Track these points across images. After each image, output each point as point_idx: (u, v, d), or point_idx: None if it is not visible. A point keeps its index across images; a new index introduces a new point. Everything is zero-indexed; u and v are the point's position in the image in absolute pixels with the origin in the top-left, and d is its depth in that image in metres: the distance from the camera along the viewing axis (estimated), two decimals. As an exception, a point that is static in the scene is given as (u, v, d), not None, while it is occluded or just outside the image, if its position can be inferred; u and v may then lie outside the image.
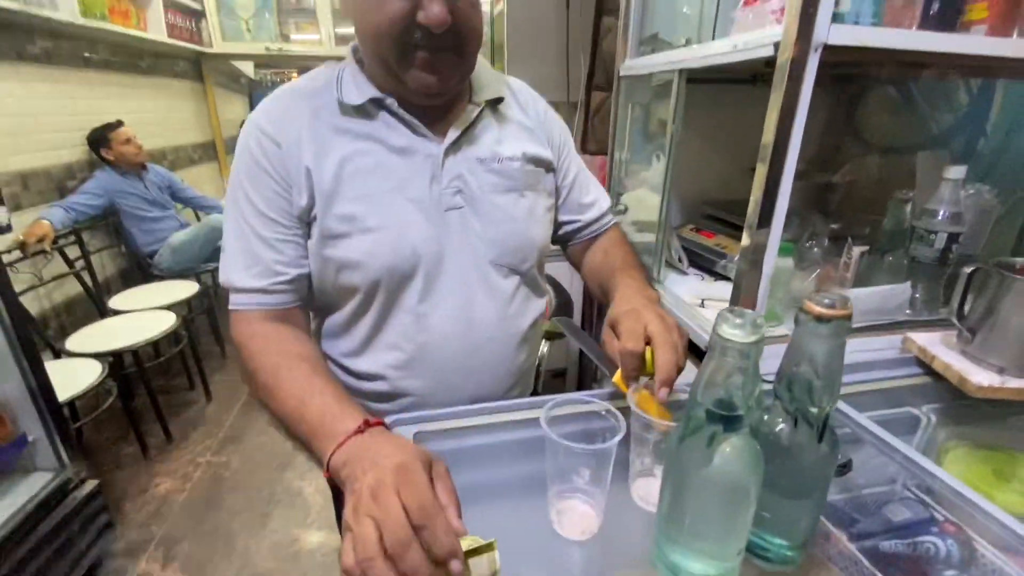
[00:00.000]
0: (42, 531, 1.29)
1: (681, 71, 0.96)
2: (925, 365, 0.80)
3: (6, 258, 1.88)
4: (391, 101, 0.67)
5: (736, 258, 0.90)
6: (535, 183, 0.75)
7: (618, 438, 0.48)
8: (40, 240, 2.01)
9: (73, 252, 2.24)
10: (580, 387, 1.92)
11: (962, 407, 0.77)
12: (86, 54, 2.60)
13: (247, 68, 4.57)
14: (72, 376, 1.70)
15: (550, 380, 1.87)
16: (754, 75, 1.17)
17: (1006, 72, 0.89)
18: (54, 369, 1.44)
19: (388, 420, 0.61)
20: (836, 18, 0.65)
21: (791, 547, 0.47)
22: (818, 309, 0.39)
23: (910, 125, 1.17)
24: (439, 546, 0.38)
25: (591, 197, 0.85)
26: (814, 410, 0.42)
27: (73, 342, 1.93)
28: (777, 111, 0.69)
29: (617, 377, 0.58)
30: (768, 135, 0.71)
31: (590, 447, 0.48)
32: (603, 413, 0.53)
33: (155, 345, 2.07)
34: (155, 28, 3.08)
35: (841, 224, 1.04)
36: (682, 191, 1.34)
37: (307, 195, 0.65)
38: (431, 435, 0.62)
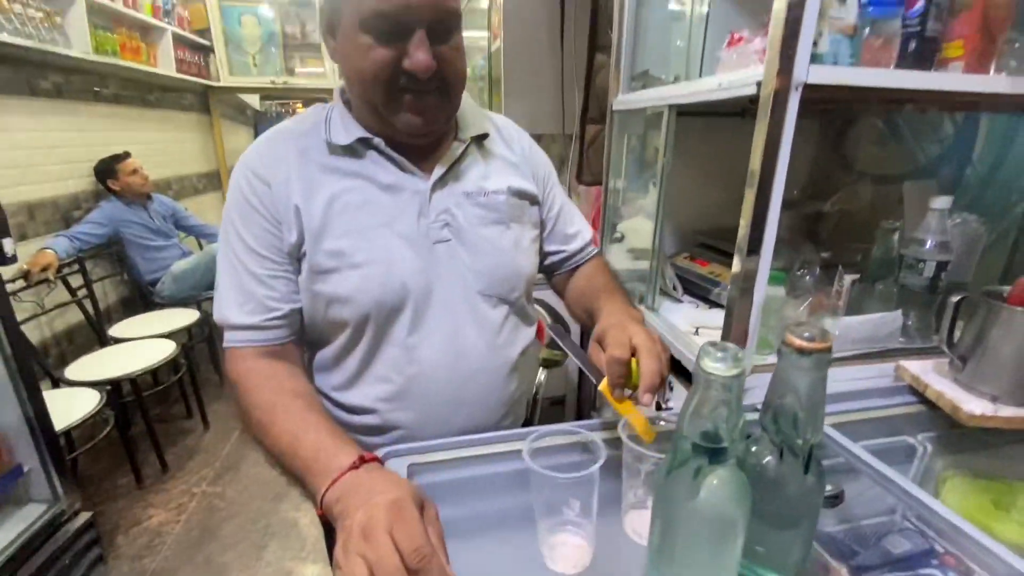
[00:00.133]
0: (33, 565, 1.26)
1: (671, 106, 1.00)
2: (919, 393, 0.80)
3: (9, 287, 1.90)
4: (378, 141, 0.69)
5: (728, 285, 0.91)
6: (520, 215, 0.77)
7: (598, 464, 0.49)
8: (44, 269, 2.04)
9: (76, 281, 2.27)
10: (579, 415, 1.91)
11: (958, 436, 0.76)
12: (97, 88, 2.68)
13: (252, 100, 4.69)
14: (70, 405, 1.70)
15: (548, 408, 1.86)
16: (743, 108, 1.20)
17: (984, 106, 0.91)
18: (52, 398, 1.44)
19: (381, 452, 0.61)
20: (815, 58, 0.68)
21: (784, 580, 0.47)
22: (799, 342, 0.40)
23: (898, 155, 1.19)
24: None
25: (575, 228, 0.88)
26: (799, 441, 0.42)
27: (72, 371, 1.93)
28: (762, 144, 0.71)
29: (603, 385, 0.59)
30: (755, 162, 0.73)
31: (572, 475, 0.48)
32: (586, 443, 0.54)
33: (154, 373, 2.07)
34: (165, 63, 3.18)
35: (832, 252, 1.06)
36: (676, 220, 1.36)
37: (296, 232, 0.66)
38: (425, 467, 0.62)
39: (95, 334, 2.34)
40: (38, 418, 1.33)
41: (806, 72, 0.66)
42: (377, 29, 0.59)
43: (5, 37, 1.97)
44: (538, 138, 1.90)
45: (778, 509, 0.44)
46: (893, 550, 0.63)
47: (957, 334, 0.77)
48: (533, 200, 0.80)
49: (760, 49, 0.76)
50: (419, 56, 0.60)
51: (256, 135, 4.82)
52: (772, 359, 0.87)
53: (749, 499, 0.41)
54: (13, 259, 1.33)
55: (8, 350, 1.26)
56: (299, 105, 5.36)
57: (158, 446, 2.13)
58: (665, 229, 1.15)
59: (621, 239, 1.44)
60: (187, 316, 2.46)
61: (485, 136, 0.77)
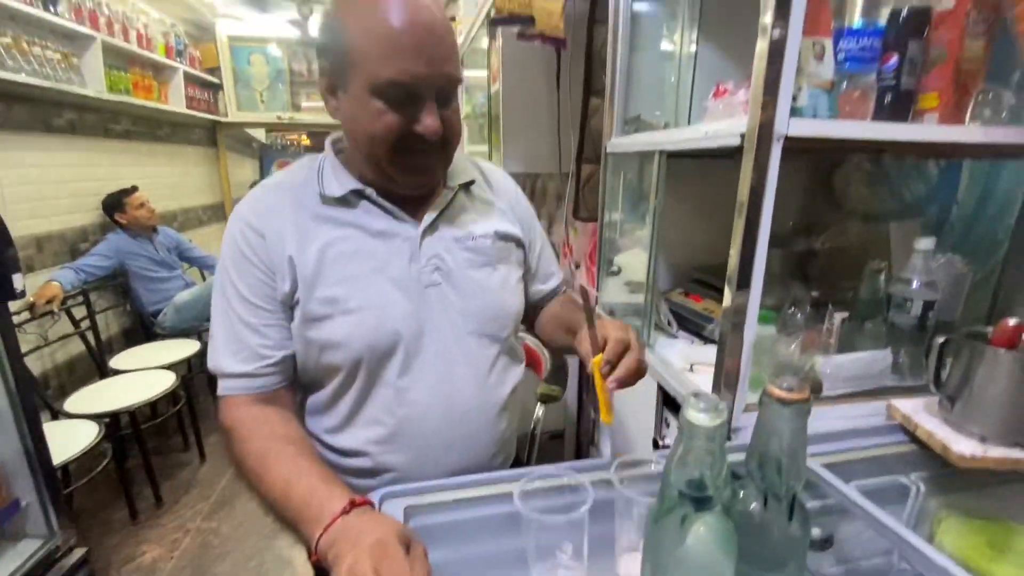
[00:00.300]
0: (24, 604, 1.24)
1: (662, 151, 1.04)
2: (911, 432, 0.81)
3: (15, 319, 1.92)
4: (370, 191, 0.72)
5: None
6: (507, 257, 0.81)
7: (586, 508, 0.50)
8: (49, 301, 2.06)
9: (79, 312, 2.29)
10: (578, 448, 1.90)
11: (951, 475, 0.77)
12: (108, 124, 2.76)
13: (258, 133, 4.81)
14: (68, 438, 1.70)
15: (547, 442, 1.86)
16: (733, 151, 1.24)
17: (961, 154, 0.95)
18: (51, 431, 1.44)
19: (378, 494, 0.62)
20: (795, 112, 0.71)
21: (774, 627, 0.47)
22: (779, 393, 0.42)
23: (885, 193, 1.22)
24: None
25: (553, 267, 0.95)
26: (783, 488, 0.44)
27: (71, 403, 1.93)
28: (747, 190, 0.75)
29: (597, 359, 0.63)
30: (741, 206, 0.76)
31: (558, 517, 0.49)
32: (576, 486, 0.55)
33: (152, 405, 2.07)
34: (175, 100, 3.29)
35: (822, 290, 1.08)
36: (671, 255, 1.39)
37: (290, 281, 0.69)
38: (421, 509, 0.63)
39: (96, 365, 2.35)
40: (37, 452, 1.33)
41: (787, 125, 0.70)
42: (390, 96, 0.63)
43: (23, 78, 2.05)
44: (535, 176, 1.97)
45: (765, 554, 0.45)
46: (890, 593, 0.63)
47: (945, 374, 0.78)
48: (518, 243, 0.84)
49: (744, 101, 0.80)
50: (429, 122, 0.64)
51: (261, 167, 4.94)
52: (764, 398, 0.88)
53: (735, 546, 0.42)
54: (22, 294, 1.36)
55: (12, 384, 1.28)
56: (304, 137, 5.50)
57: (154, 480, 2.11)
58: (659, 264, 1.17)
59: (618, 272, 1.46)
60: (188, 347, 2.47)
61: (471, 182, 0.81)
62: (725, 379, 0.83)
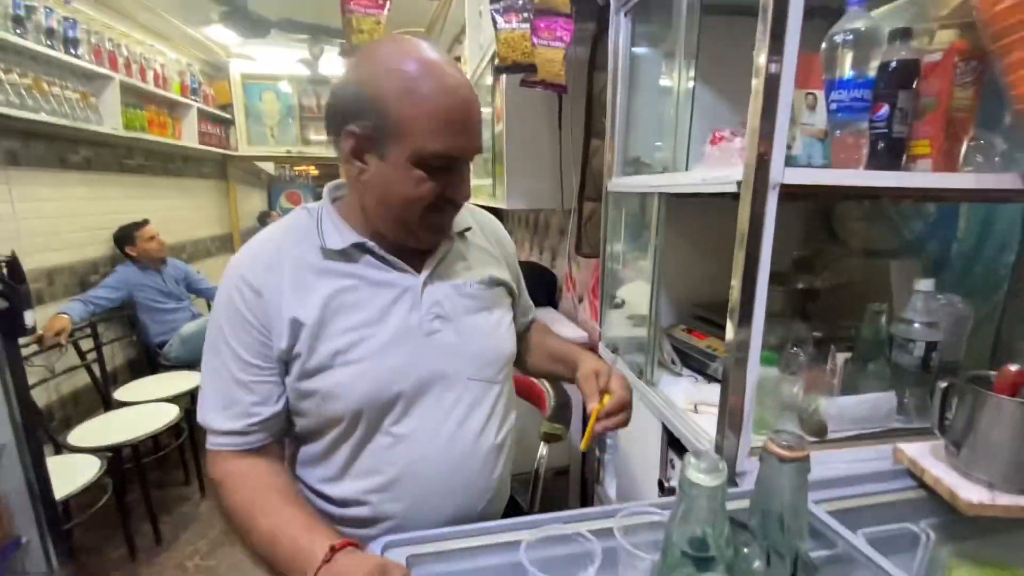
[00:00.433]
0: (18, 648, 1.22)
1: (661, 193, 1.06)
2: (918, 477, 0.80)
3: (23, 352, 1.94)
4: (372, 244, 0.73)
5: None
6: (500, 301, 0.85)
7: (594, 567, 0.50)
8: (58, 334, 2.08)
9: (87, 344, 2.31)
10: (583, 485, 1.87)
11: (961, 522, 0.75)
12: (123, 160, 2.83)
13: (267, 165, 4.93)
14: (70, 473, 1.69)
15: (552, 479, 1.83)
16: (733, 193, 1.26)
17: (954, 198, 0.96)
18: (53, 465, 1.44)
19: (381, 543, 0.62)
20: (789, 160, 0.73)
21: None
22: (778, 451, 0.42)
23: (884, 232, 1.23)
24: None
25: (529, 302, 1.03)
26: (785, 546, 0.44)
27: (75, 436, 1.93)
28: (745, 235, 0.76)
29: (598, 407, 0.77)
30: (739, 252, 0.77)
31: None
32: (581, 539, 0.55)
33: (155, 437, 2.06)
34: (188, 136, 3.38)
35: (825, 329, 1.08)
36: (673, 291, 1.39)
37: (287, 338, 0.69)
38: (425, 559, 0.62)
39: (100, 397, 2.35)
40: (40, 488, 1.33)
41: (782, 174, 0.71)
42: (432, 165, 0.67)
43: (43, 117, 2.12)
44: (538, 212, 2.00)
45: (770, 616, 0.44)
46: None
47: (949, 418, 0.78)
48: (509, 288, 0.88)
49: (740, 148, 0.82)
50: (463, 189, 0.71)
51: (269, 197, 5.04)
52: (769, 441, 0.87)
53: (739, 607, 0.42)
54: (33, 330, 1.38)
55: (18, 418, 1.28)
56: (312, 168, 5.62)
57: (154, 517, 2.09)
58: (661, 300, 1.18)
59: (621, 305, 1.47)
60: (191, 379, 2.47)
61: (467, 229, 0.85)
62: (729, 420, 0.83)
